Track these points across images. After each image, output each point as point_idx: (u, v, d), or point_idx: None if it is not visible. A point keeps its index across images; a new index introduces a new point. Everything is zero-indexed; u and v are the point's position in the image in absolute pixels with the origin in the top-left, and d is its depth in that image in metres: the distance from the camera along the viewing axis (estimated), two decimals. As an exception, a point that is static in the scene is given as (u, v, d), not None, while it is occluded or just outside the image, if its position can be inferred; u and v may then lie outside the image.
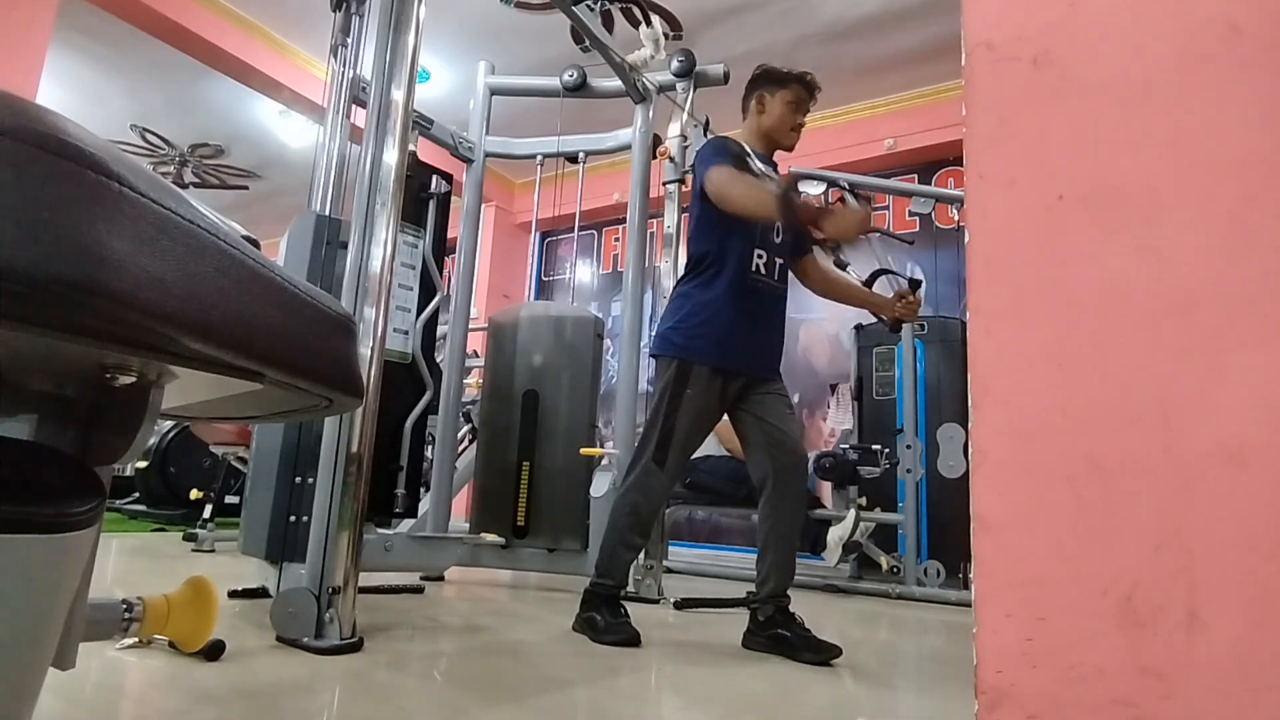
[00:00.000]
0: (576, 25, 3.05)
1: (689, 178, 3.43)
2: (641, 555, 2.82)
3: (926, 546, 4.00)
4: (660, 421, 2.15)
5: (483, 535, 3.10)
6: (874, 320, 4.74)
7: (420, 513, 3.27)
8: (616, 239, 7.57)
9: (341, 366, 0.69)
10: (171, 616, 1.37)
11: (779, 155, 2.39)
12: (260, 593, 2.36)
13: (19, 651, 0.53)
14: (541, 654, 1.91)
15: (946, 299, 5.80)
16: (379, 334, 1.86)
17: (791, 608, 2.09)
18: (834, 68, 5.46)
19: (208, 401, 0.82)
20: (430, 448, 3.60)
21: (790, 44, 5.37)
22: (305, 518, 1.95)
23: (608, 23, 3.64)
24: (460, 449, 4.13)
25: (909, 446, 3.95)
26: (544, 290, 8.20)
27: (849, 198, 2.06)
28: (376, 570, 2.44)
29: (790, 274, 2.32)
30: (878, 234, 2.21)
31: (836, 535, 3.69)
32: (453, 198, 2.76)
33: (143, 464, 5.13)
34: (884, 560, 3.86)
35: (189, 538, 4.08)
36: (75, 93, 6.38)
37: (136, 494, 5.38)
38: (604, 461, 3.18)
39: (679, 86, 3.41)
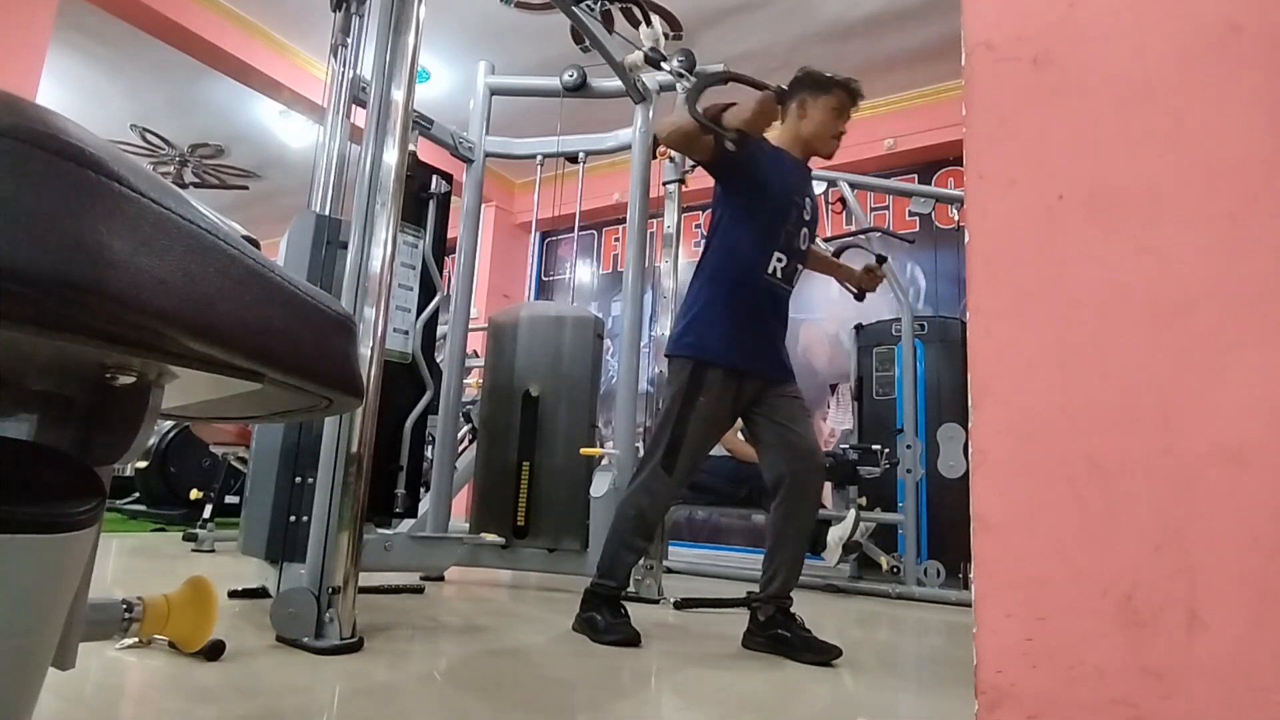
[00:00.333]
0: (576, 25, 3.05)
1: (689, 178, 3.44)
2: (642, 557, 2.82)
3: (926, 546, 4.00)
4: (671, 426, 2.13)
5: (483, 535, 3.10)
6: (874, 321, 4.77)
7: (420, 513, 3.27)
8: (616, 239, 7.57)
9: (341, 366, 0.69)
10: (171, 616, 1.37)
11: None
12: (260, 593, 2.36)
13: (19, 651, 0.53)
14: (542, 654, 1.91)
15: (946, 299, 5.80)
16: (379, 334, 1.86)
17: (792, 608, 2.09)
18: (834, 68, 5.43)
19: (208, 401, 0.82)
20: (430, 448, 3.61)
21: (790, 44, 5.37)
22: (305, 518, 1.95)
23: (608, 23, 3.64)
24: (460, 449, 4.13)
25: (909, 446, 3.95)
26: (544, 290, 8.20)
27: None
28: (376, 570, 2.44)
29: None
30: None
31: (836, 535, 3.69)
32: (453, 198, 2.76)
33: (143, 464, 5.13)
34: (884, 560, 3.86)
35: (189, 538, 4.08)
36: (75, 93, 6.38)
37: (136, 494, 5.38)
38: (604, 461, 3.18)
39: (679, 86, 3.41)
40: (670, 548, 4.49)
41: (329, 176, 2.75)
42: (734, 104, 2.00)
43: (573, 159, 3.75)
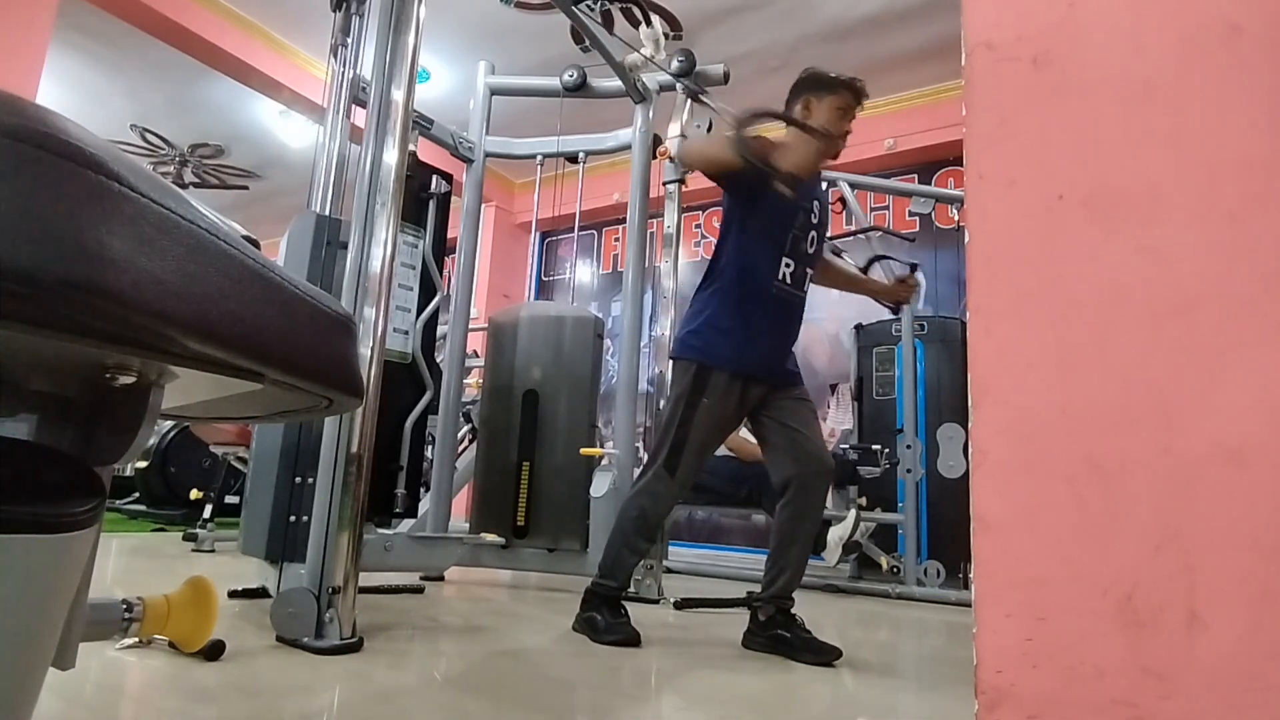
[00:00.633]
0: (576, 25, 3.05)
1: (689, 178, 3.43)
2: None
3: (926, 546, 4.00)
4: (675, 428, 2.13)
5: (483, 535, 3.10)
6: (874, 321, 4.77)
7: (420, 513, 3.27)
8: (616, 239, 7.57)
9: (341, 366, 0.69)
10: (171, 616, 1.37)
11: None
12: (260, 593, 2.36)
13: (19, 651, 0.53)
14: (542, 654, 1.91)
15: (946, 299, 5.80)
16: (379, 334, 1.86)
17: (792, 609, 2.09)
18: (834, 68, 5.44)
19: (208, 401, 0.82)
20: (430, 448, 3.61)
21: (790, 44, 5.37)
22: (305, 518, 1.95)
23: (608, 23, 3.64)
24: (460, 449, 4.13)
25: (909, 446, 3.95)
26: (544, 290, 8.20)
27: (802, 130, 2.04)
28: (376, 570, 2.44)
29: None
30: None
31: (837, 535, 3.69)
32: (453, 198, 2.76)
33: (143, 464, 5.13)
34: (884, 560, 3.86)
35: (189, 538, 4.08)
36: (75, 93, 6.38)
37: (136, 494, 5.38)
38: (604, 461, 3.18)
39: (679, 86, 3.41)
40: (670, 548, 4.49)
41: (329, 176, 2.75)
42: (779, 142, 1.96)
43: (573, 159, 3.75)
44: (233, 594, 2.33)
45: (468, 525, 3.38)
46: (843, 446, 4.34)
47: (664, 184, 3.45)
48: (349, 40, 2.86)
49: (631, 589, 2.67)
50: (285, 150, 7.18)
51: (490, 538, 3.08)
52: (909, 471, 3.93)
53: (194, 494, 4.47)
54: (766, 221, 2.16)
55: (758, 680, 1.76)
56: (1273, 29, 0.73)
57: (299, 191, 4.57)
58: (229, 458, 4.23)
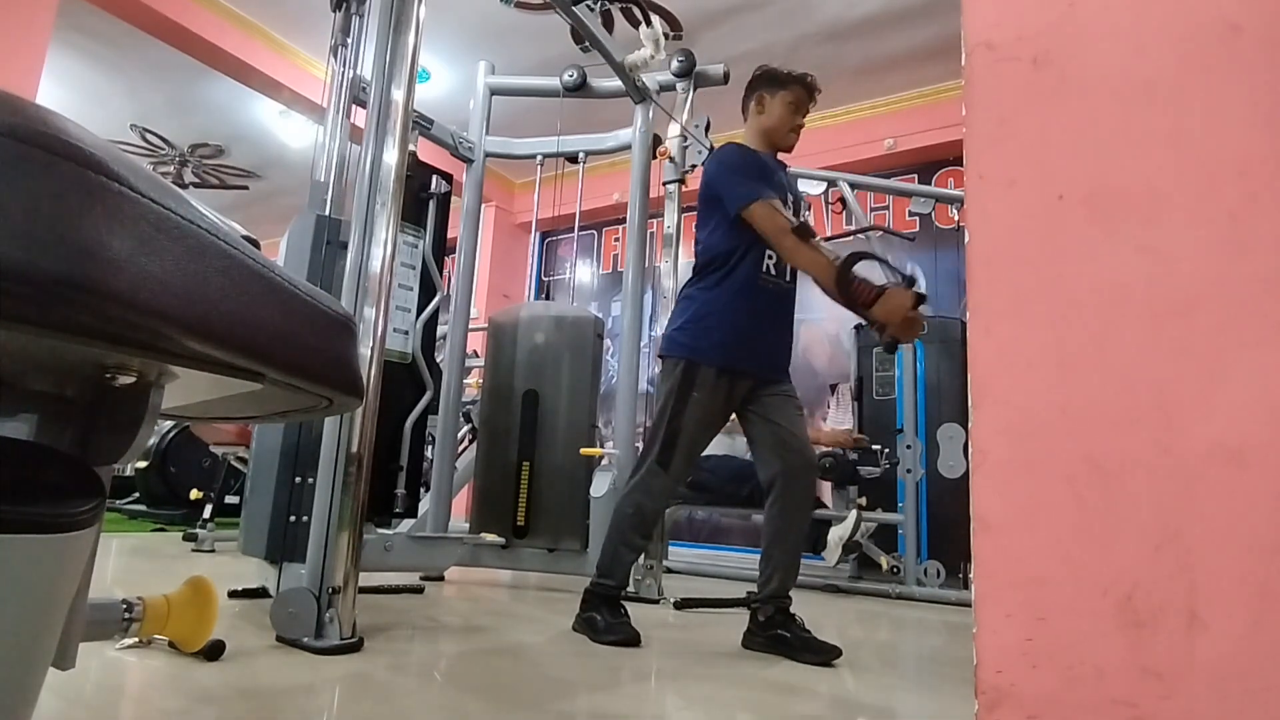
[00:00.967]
0: (576, 25, 3.05)
1: (689, 178, 3.43)
2: (641, 556, 2.82)
3: (926, 546, 4.00)
4: (665, 423, 2.14)
5: (483, 535, 3.10)
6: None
7: (420, 513, 3.27)
8: (616, 239, 7.57)
9: (341, 366, 0.69)
10: (171, 616, 1.37)
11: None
12: (260, 593, 2.36)
13: (19, 651, 0.53)
14: (542, 654, 1.91)
15: (946, 299, 5.80)
16: (379, 334, 1.86)
17: (792, 608, 2.09)
18: (834, 68, 5.47)
19: (208, 401, 0.82)
20: (430, 448, 3.60)
21: (790, 44, 5.37)
22: (305, 518, 1.95)
23: (608, 23, 3.64)
24: (460, 449, 4.13)
25: (909, 446, 3.95)
26: (544, 290, 8.19)
27: (899, 280, 2.02)
28: (376, 570, 2.44)
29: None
30: (924, 328, 2.08)
31: (837, 535, 3.70)
32: (453, 198, 2.76)
33: (143, 464, 5.13)
34: (884, 560, 3.86)
35: (189, 538, 4.08)
36: (75, 93, 6.38)
37: (136, 494, 5.38)
38: (604, 461, 3.18)
39: (679, 86, 3.41)
40: (670, 548, 4.49)
41: (329, 176, 2.75)
42: (881, 290, 1.94)
43: (573, 159, 3.75)
44: (233, 594, 2.33)
45: (468, 525, 3.38)
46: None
47: (664, 184, 3.46)
48: (349, 40, 2.86)
49: (631, 589, 2.68)
50: (285, 150, 7.18)
51: (490, 538, 3.08)
52: (909, 471, 3.93)
53: (194, 494, 4.46)
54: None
55: (758, 680, 1.76)
56: (1273, 29, 0.73)
57: (299, 191, 4.58)
58: (229, 458, 4.23)
